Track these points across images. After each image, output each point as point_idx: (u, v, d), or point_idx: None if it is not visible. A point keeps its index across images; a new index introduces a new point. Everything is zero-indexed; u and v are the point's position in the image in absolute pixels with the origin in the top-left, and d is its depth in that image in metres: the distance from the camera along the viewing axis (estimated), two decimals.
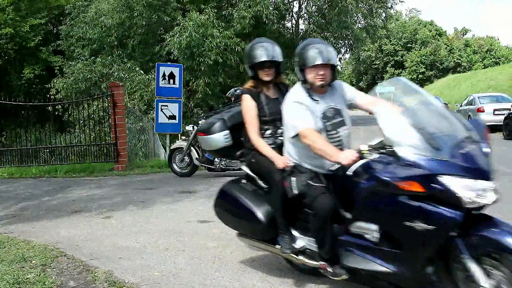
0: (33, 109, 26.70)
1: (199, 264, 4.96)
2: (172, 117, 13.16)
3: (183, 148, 10.98)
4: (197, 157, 10.78)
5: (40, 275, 4.60)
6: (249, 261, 5.00)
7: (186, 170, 11.05)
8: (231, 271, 4.72)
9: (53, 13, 31.05)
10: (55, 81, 22.15)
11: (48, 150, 14.89)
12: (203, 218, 6.90)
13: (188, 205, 7.91)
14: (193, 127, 10.86)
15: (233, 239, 5.77)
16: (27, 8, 29.92)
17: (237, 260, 5.04)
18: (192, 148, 10.84)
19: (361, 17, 29.98)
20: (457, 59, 60.41)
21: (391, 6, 31.25)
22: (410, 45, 62.17)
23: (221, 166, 10.46)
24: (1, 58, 29.99)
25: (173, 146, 11.46)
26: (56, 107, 19.86)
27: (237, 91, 10.00)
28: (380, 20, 30.76)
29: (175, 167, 11.15)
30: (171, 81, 13.16)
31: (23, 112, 27.15)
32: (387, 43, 61.21)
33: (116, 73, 21.01)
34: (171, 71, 13.19)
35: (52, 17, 31.36)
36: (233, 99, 10.01)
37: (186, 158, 11.00)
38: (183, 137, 11.61)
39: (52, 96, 20.69)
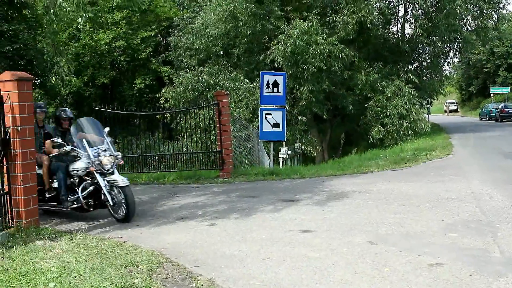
0: (143, 118, 27.91)
1: (300, 275, 4.90)
2: (276, 125, 13.22)
3: None
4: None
5: (146, 280, 4.76)
6: (351, 273, 4.88)
7: None
8: (333, 284, 4.63)
9: (162, 25, 32.44)
10: (164, 90, 23.01)
11: (157, 157, 15.39)
12: (305, 227, 6.85)
13: (291, 214, 7.87)
14: None
15: (335, 249, 5.68)
16: (139, 21, 31.49)
17: (339, 272, 4.92)
18: None
19: (470, 19, 28.70)
20: None
21: (504, 7, 29.62)
22: None
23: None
24: (115, 69, 31.70)
25: None
26: (165, 115, 20.56)
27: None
28: (492, 22, 29.26)
29: None
30: (275, 89, 13.23)
31: (134, 120, 28.43)
32: (499, 45, 57.98)
33: (222, 82, 21.49)
34: (275, 80, 13.26)
35: (161, 29, 32.76)
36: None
37: None
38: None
39: (161, 105, 21.51)
